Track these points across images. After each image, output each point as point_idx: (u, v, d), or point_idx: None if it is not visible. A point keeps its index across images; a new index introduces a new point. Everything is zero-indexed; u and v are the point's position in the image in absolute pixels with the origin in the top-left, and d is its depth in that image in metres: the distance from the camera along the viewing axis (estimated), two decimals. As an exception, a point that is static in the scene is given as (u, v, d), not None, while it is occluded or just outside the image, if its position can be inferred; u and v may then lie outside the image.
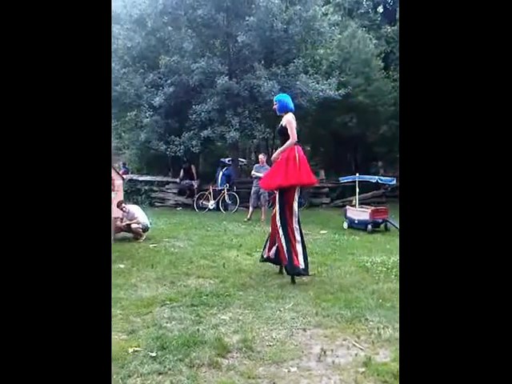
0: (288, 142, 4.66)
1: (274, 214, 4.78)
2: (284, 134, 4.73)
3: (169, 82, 11.67)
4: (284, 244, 4.65)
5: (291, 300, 4.03)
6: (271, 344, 3.09)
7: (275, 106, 4.92)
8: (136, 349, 3.02)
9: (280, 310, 3.75)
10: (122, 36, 12.35)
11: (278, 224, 4.68)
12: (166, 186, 13.41)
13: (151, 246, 6.83)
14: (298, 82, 11.23)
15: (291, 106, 4.89)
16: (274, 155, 4.90)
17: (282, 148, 4.74)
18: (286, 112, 4.84)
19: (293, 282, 4.61)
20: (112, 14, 13.72)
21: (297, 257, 4.65)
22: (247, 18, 10.95)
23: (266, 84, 10.67)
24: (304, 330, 3.34)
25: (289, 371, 2.70)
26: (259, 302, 3.99)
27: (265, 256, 5.01)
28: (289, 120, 4.72)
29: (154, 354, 2.93)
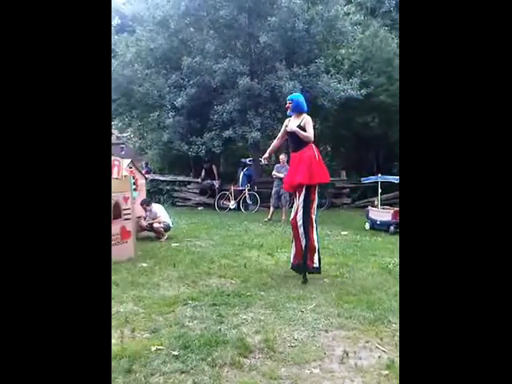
0: (306, 135, 4.63)
1: (296, 214, 4.73)
2: (302, 137, 4.70)
3: (191, 82, 11.76)
4: (304, 243, 4.64)
5: (313, 301, 4.01)
6: (293, 345, 3.08)
7: (289, 105, 4.84)
8: (159, 347, 3.05)
9: (302, 311, 3.74)
10: (144, 38, 12.51)
11: (299, 223, 4.66)
12: (188, 186, 13.51)
13: (173, 245, 6.90)
14: (319, 82, 11.17)
15: (305, 106, 4.84)
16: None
17: (303, 135, 4.66)
18: (301, 112, 4.79)
19: (305, 280, 4.62)
20: (135, 15, 13.95)
21: (313, 256, 4.70)
22: (269, 19, 10.95)
23: (287, 84, 10.65)
24: (326, 331, 3.32)
25: (311, 373, 2.69)
26: (281, 302, 3.98)
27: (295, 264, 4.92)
28: (308, 120, 4.70)
29: (176, 353, 2.95)
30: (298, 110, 4.80)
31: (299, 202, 4.70)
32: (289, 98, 4.96)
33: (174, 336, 3.23)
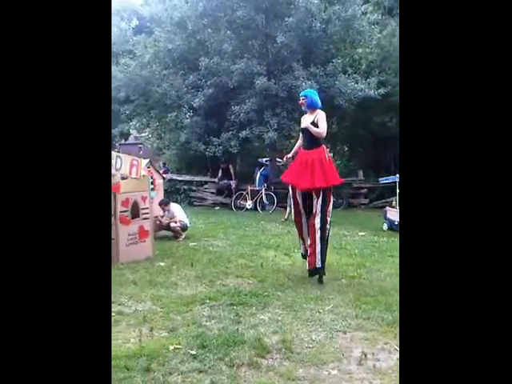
0: (318, 130, 4.56)
1: (314, 218, 4.66)
2: (313, 132, 4.62)
3: (208, 83, 11.81)
4: (319, 246, 4.60)
5: (330, 302, 3.99)
6: (311, 346, 3.07)
7: (303, 101, 4.74)
8: (177, 346, 3.07)
9: (319, 312, 3.73)
10: (163, 39, 12.60)
11: (317, 226, 4.60)
12: (205, 186, 13.58)
13: (190, 244, 6.94)
14: (336, 82, 11.10)
15: (319, 102, 4.77)
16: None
17: (314, 130, 4.59)
18: (315, 109, 4.73)
19: (320, 282, 4.61)
20: (153, 17, 14.06)
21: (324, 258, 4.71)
22: (286, 19, 10.92)
23: (304, 84, 10.60)
24: (344, 332, 3.30)
25: (329, 374, 2.68)
26: (298, 302, 3.97)
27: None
28: (322, 116, 4.63)
29: (194, 352, 2.97)
30: (313, 106, 4.73)
31: (317, 205, 4.63)
32: (302, 93, 4.86)
33: (191, 335, 3.26)
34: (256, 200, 12.03)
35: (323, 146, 4.74)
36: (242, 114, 11.34)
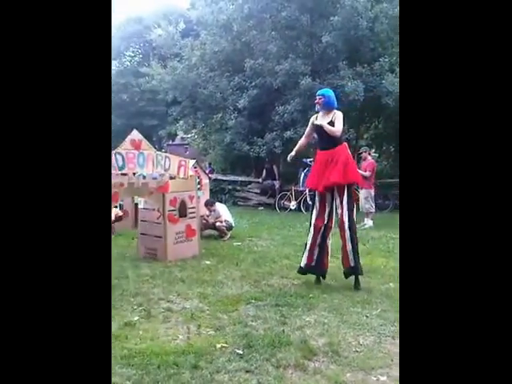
0: (333, 129, 4.41)
1: (342, 217, 4.54)
2: (328, 131, 4.46)
3: (253, 84, 11.89)
4: (350, 246, 4.51)
5: (378, 306, 3.91)
6: (358, 350, 3.03)
7: (320, 101, 4.57)
8: (223, 345, 3.11)
9: (367, 316, 3.66)
10: (209, 41, 12.81)
11: (346, 226, 4.50)
12: (249, 186, 13.67)
13: (235, 244, 7.00)
14: (383, 81, 10.85)
15: (336, 102, 4.64)
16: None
17: (329, 129, 4.43)
18: (331, 109, 4.58)
19: (358, 285, 4.50)
20: (200, 20, 14.31)
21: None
22: (331, 18, 10.81)
23: (349, 84, 10.46)
24: (393, 337, 3.23)
25: (378, 380, 2.63)
26: (344, 306, 3.93)
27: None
28: (339, 116, 4.48)
29: (240, 352, 3.00)
30: (329, 106, 4.57)
31: (344, 204, 4.52)
32: (319, 93, 4.69)
33: (238, 335, 3.29)
34: (300, 201, 11.97)
35: (344, 143, 4.62)
36: (286, 115, 11.33)
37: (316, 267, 4.67)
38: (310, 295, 4.23)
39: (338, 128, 4.43)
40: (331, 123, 4.46)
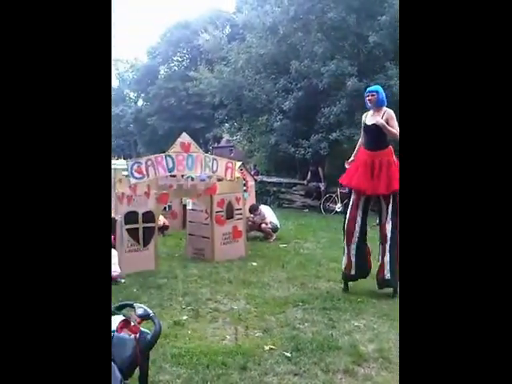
0: (394, 132, 4.16)
1: (384, 225, 4.37)
2: (380, 131, 4.25)
3: (298, 86, 11.86)
4: (389, 256, 4.30)
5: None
6: (410, 357, 2.94)
7: (373, 98, 4.34)
8: (271, 347, 3.12)
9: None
10: (255, 44, 12.90)
11: (389, 235, 4.30)
12: (294, 188, 13.62)
13: (281, 246, 7.00)
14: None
15: (385, 100, 4.42)
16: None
17: (390, 130, 4.20)
18: (382, 106, 4.36)
19: (394, 295, 4.29)
20: (246, 23, 14.45)
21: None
22: (379, 18, 10.60)
23: (397, 83, 10.21)
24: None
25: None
26: (394, 311, 3.82)
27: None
28: (392, 115, 4.26)
29: (288, 355, 2.99)
30: (381, 104, 4.37)
31: (387, 212, 4.33)
32: (371, 89, 4.46)
33: (285, 337, 3.28)
34: (346, 203, 11.80)
35: (390, 147, 4.37)
36: (332, 116, 11.22)
37: (359, 271, 4.52)
38: (359, 299, 4.15)
39: (397, 128, 4.18)
40: (386, 123, 4.27)
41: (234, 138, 17.73)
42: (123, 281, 4.73)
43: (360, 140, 4.74)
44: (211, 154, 8.91)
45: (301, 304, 4.05)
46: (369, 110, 4.53)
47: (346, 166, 4.79)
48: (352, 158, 4.73)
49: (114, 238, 4.87)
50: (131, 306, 1.77)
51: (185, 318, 3.72)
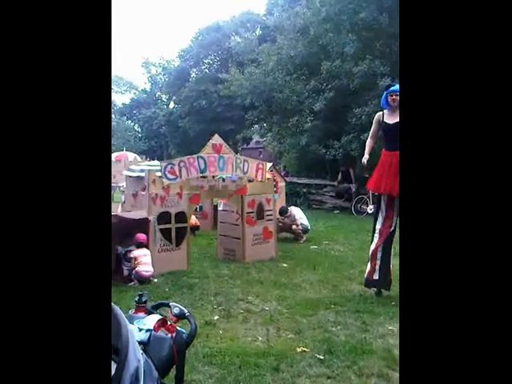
0: None
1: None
2: None
3: (329, 86, 11.77)
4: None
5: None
6: (447, 363, 2.86)
7: (396, 97, 4.21)
8: (304, 349, 3.09)
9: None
10: (285, 46, 12.90)
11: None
12: (324, 189, 13.52)
13: (312, 247, 6.95)
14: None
15: None
16: None
17: None
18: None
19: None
20: (277, 25, 14.47)
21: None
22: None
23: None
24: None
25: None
26: (430, 316, 3.73)
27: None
28: None
29: (321, 357, 2.96)
30: None
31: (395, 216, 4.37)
32: (395, 89, 4.28)
33: (318, 339, 3.25)
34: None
35: None
36: (363, 117, 11.07)
37: (380, 280, 4.42)
38: (392, 303, 4.07)
39: None
40: None
41: (264, 139, 17.77)
42: (155, 280, 4.80)
43: (370, 140, 4.72)
44: (240, 156, 8.96)
45: (333, 306, 4.00)
46: (383, 110, 4.51)
47: (364, 161, 4.74)
48: (366, 156, 4.70)
49: (148, 238, 4.95)
50: (167, 305, 1.79)
51: (216, 317, 3.74)
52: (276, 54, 13.35)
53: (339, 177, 12.88)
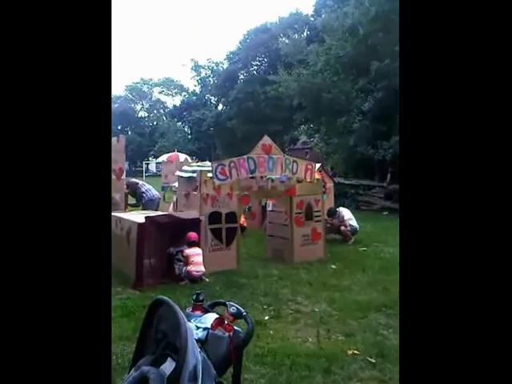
0: None
1: None
2: None
3: (378, 86, 11.56)
4: None
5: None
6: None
7: None
8: (355, 352, 3.07)
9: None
10: (334, 46, 12.79)
11: None
12: (372, 190, 13.25)
13: (360, 249, 6.85)
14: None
15: None
16: None
17: None
18: None
19: None
20: (325, 26, 14.36)
21: None
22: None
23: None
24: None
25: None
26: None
27: None
28: None
29: (373, 360, 2.93)
30: None
31: None
32: None
33: (369, 342, 3.21)
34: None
35: None
36: (414, 116, 10.79)
37: None
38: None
39: None
40: None
41: (311, 140, 17.67)
42: (207, 279, 4.91)
43: None
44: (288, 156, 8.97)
45: (384, 309, 3.94)
46: None
47: None
48: None
49: (199, 238, 5.07)
50: (224, 304, 1.80)
51: (266, 318, 3.77)
52: (324, 54, 13.26)
53: (388, 178, 12.59)
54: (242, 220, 7.61)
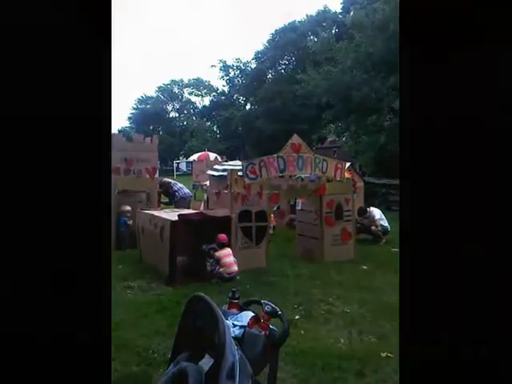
0: None
1: None
2: None
3: (410, 83, 11.33)
4: None
5: None
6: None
7: None
8: (388, 354, 3.01)
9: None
10: (363, 43, 12.61)
11: None
12: (404, 190, 13.00)
13: (392, 250, 6.72)
14: None
15: None
16: None
17: None
18: None
19: None
20: (354, 23, 14.18)
21: None
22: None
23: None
24: None
25: None
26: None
27: None
28: None
29: (407, 364, 2.86)
30: None
31: None
32: None
33: (403, 345, 3.14)
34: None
35: None
36: (448, 114, 10.53)
37: None
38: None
39: None
40: None
41: (340, 138, 17.50)
42: (238, 277, 4.92)
43: None
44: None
45: (417, 312, 3.84)
46: None
47: None
48: None
49: (229, 237, 5.08)
50: (258, 302, 1.80)
51: (297, 317, 3.74)
52: (354, 51, 13.10)
53: (420, 177, 12.34)
54: (272, 219, 7.60)
